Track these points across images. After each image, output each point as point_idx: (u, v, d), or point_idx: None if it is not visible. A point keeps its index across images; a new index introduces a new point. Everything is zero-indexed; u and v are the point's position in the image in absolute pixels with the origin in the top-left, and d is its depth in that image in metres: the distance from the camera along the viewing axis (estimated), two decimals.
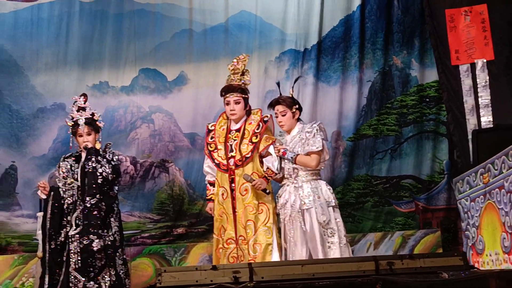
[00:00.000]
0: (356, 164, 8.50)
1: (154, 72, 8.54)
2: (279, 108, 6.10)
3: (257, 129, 6.11)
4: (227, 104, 6.16)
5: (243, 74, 6.24)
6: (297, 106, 6.14)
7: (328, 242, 5.87)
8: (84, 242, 5.76)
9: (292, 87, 6.32)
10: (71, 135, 6.12)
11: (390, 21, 8.62)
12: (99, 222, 5.82)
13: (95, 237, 5.77)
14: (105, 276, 5.81)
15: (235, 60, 6.28)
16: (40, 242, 5.89)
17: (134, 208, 8.33)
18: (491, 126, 7.16)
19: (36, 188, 6.13)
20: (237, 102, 6.12)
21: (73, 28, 8.45)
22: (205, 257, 7.85)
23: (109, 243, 5.86)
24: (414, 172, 8.49)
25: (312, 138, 5.99)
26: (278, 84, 6.43)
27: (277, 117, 6.15)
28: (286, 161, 6.03)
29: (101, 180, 5.86)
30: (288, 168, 6.05)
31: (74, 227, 5.89)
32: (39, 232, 5.92)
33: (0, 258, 7.83)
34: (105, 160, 5.96)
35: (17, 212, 8.12)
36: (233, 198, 6.04)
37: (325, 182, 6.13)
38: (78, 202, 5.94)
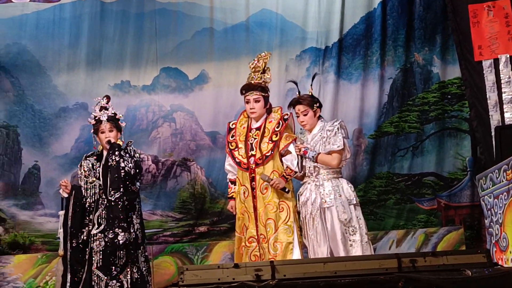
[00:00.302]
0: (377, 162, 8.47)
1: (175, 71, 8.56)
2: (300, 108, 6.09)
3: (277, 127, 6.10)
4: (247, 102, 6.15)
5: (264, 72, 6.23)
6: (317, 104, 6.12)
7: (350, 240, 5.86)
8: (110, 236, 5.75)
9: (311, 85, 6.30)
10: (93, 134, 6.18)
11: (411, 17, 8.59)
12: (122, 216, 5.81)
13: (120, 230, 5.76)
14: (127, 274, 5.83)
15: (256, 58, 6.29)
16: (62, 240, 5.93)
17: (156, 206, 8.35)
18: None
19: (59, 187, 6.17)
20: (256, 101, 6.12)
21: (95, 28, 8.48)
22: (227, 256, 7.86)
23: (131, 240, 5.88)
24: (436, 169, 8.45)
25: (333, 137, 5.98)
26: (296, 83, 6.41)
27: (298, 116, 6.13)
28: (307, 160, 6.02)
29: (124, 174, 5.87)
30: (309, 166, 6.04)
31: (97, 226, 5.93)
32: (61, 230, 5.96)
33: (24, 257, 7.88)
34: (127, 155, 5.98)
35: (40, 211, 8.18)
36: (254, 197, 6.03)
37: (346, 180, 6.10)
38: (100, 201, 5.98)
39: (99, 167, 6.08)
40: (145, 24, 8.55)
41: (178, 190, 8.42)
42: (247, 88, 6.16)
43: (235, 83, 8.07)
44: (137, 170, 6.01)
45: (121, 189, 5.84)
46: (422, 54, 8.63)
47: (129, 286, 5.82)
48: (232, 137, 6.26)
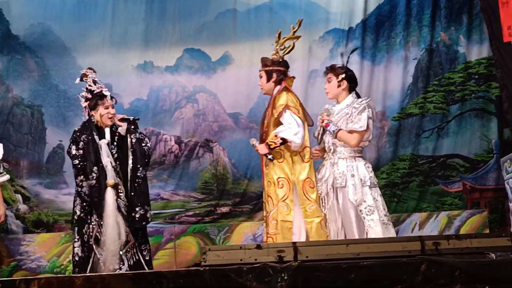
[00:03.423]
0: (401, 144, 8.42)
1: (198, 52, 8.56)
2: (328, 74, 5.97)
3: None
4: (260, 77, 6.10)
5: (277, 41, 6.07)
6: (344, 75, 5.90)
7: (368, 221, 5.65)
8: (141, 212, 5.75)
9: (348, 58, 6.12)
10: (87, 109, 5.95)
11: None
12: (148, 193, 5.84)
13: (149, 207, 5.81)
14: (128, 252, 5.78)
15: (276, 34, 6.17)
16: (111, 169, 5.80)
17: (178, 187, 8.40)
18: None
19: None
20: (260, 76, 6.04)
21: (119, 9, 8.51)
22: (249, 236, 7.88)
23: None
24: (461, 151, 8.39)
25: (357, 116, 5.78)
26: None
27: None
28: (328, 133, 5.88)
29: (147, 150, 5.88)
30: (328, 142, 5.89)
31: None
32: (108, 159, 5.79)
33: (47, 236, 7.96)
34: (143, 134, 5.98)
35: (64, 190, 8.25)
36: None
37: (365, 161, 5.91)
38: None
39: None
40: (169, 5, 8.55)
41: (201, 171, 8.45)
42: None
43: (258, 65, 8.02)
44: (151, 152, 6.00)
45: (147, 166, 5.85)
46: (448, 34, 8.54)
47: (131, 264, 5.75)
48: None
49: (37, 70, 8.45)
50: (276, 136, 5.78)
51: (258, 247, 4.45)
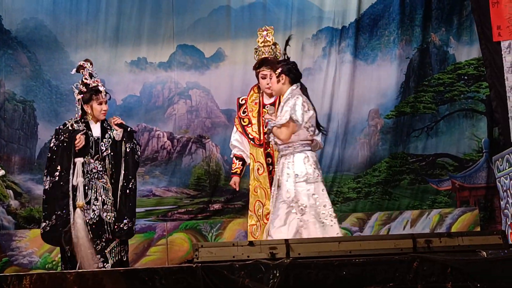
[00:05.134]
0: (393, 142, 8.46)
1: (192, 49, 8.56)
2: (267, 71, 5.83)
3: None
4: (263, 78, 5.95)
5: (274, 45, 6.12)
6: (281, 69, 5.53)
7: (300, 221, 5.33)
8: (129, 225, 5.67)
9: (285, 48, 5.66)
10: (81, 102, 5.77)
11: None
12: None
13: (135, 221, 5.79)
14: (113, 251, 5.71)
15: (264, 32, 6.14)
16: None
17: (171, 183, 8.40)
18: None
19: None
20: (271, 77, 6.02)
21: (112, 4, 8.50)
22: (241, 233, 7.89)
23: None
24: (450, 150, 8.46)
25: (285, 108, 5.46)
26: (288, 39, 5.73)
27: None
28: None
29: (137, 160, 5.83)
30: (272, 140, 5.62)
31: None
32: (81, 179, 5.63)
33: (39, 232, 7.83)
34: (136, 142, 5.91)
35: None
36: (270, 173, 5.97)
37: (305, 155, 5.46)
38: (87, 170, 5.71)
39: (91, 136, 5.76)
40: (163, 1, 8.55)
41: (193, 167, 8.46)
42: (262, 63, 5.98)
43: (251, 62, 7.96)
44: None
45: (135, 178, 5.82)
46: (438, 35, 8.59)
47: (114, 262, 5.66)
48: (243, 113, 6.12)
49: (29, 65, 8.43)
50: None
51: (251, 244, 4.46)
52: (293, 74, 5.57)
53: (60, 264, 5.86)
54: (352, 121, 8.45)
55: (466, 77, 8.52)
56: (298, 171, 5.40)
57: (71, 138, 5.64)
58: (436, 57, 8.60)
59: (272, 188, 5.65)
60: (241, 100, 6.21)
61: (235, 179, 6.10)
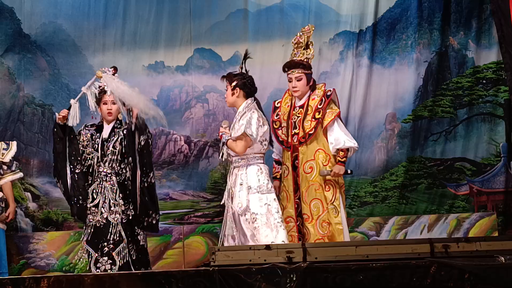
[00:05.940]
0: (410, 146, 8.43)
1: (209, 52, 8.58)
2: (225, 82, 5.93)
3: (320, 105, 6.01)
4: (290, 81, 6.07)
5: (306, 47, 6.12)
6: (236, 83, 5.80)
7: (253, 229, 5.58)
8: (157, 218, 5.78)
9: (242, 62, 5.97)
10: (95, 104, 6.04)
11: (448, 0, 8.48)
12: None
13: (157, 214, 5.85)
14: (121, 252, 5.75)
15: (299, 33, 6.18)
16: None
17: (187, 187, 8.41)
18: None
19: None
20: (298, 79, 6.04)
21: (130, 8, 8.51)
22: None
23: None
24: (468, 154, 8.40)
25: (240, 121, 5.73)
26: (245, 53, 6.06)
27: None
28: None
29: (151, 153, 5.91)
30: (225, 153, 5.84)
31: (91, 199, 5.87)
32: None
33: (57, 234, 7.98)
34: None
35: None
36: (295, 176, 5.99)
37: (258, 167, 5.74)
38: (96, 174, 5.91)
39: (99, 138, 5.99)
40: (180, 4, 8.56)
41: (210, 171, 8.47)
42: (289, 66, 6.06)
43: (268, 65, 8.06)
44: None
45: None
46: (457, 38, 8.54)
47: (122, 264, 5.72)
48: (276, 116, 6.22)
49: (48, 69, 8.48)
50: (341, 150, 5.91)
51: (267, 247, 4.48)
52: (247, 88, 5.80)
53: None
54: (369, 125, 8.43)
55: (484, 81, 8.48)
56: (251, 182, 5.63)
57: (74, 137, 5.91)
58: (455, 61, 8.56)
59: (226, 199, 5.85)
60: (277, 103, 6.31)
61: (276, 184, 6.12)
